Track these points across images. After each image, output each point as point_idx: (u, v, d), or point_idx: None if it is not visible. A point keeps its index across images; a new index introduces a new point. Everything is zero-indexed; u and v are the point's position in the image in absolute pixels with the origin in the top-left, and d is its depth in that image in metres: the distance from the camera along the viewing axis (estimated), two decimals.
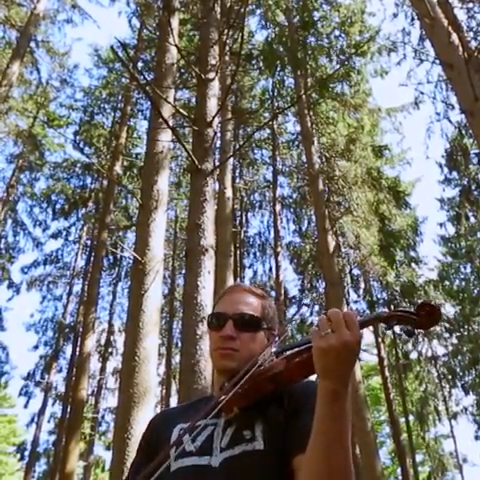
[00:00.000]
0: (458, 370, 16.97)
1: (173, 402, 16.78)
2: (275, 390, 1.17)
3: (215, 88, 7.10)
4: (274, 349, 1.24)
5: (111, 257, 19.08)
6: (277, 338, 1.31)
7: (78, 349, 15.16)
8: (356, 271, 16.22)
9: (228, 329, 1.29)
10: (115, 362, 19.01)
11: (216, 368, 1.32)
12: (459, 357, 16.98)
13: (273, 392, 1.17)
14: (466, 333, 16.96)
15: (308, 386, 1.18)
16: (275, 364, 1.18)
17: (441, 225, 18.26)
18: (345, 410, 1.01)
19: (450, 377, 17.32)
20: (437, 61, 8.70)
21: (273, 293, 15.47)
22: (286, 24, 15.89)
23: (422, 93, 14.50)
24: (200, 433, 1.22)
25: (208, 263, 5.41)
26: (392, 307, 15.83)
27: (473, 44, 9.44)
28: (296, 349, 1.17)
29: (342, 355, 0.98)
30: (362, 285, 16.75)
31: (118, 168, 16.51)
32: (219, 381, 1.30)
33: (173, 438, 1.25)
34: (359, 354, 1.02)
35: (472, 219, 17.10)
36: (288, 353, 1.18)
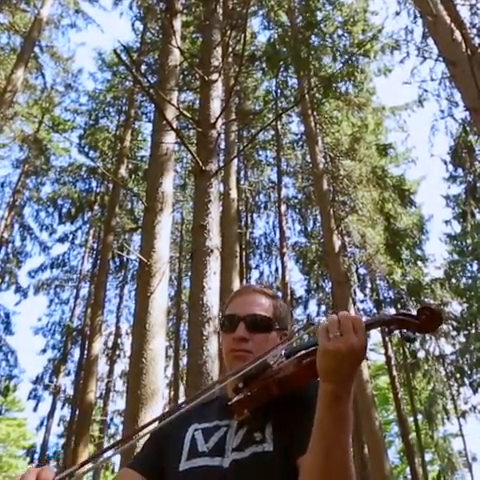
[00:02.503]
0: (466, 368, 16.88)
1: None
2: (281, 394, 1.17)
3: (218, 89, 7.11)
4: (284, 351, 1.23)
5: (117, 260, 19.13)
6: (286, 340, 1.30)
7: (86, 352, 15.21)
8: (362, 270, 16.20)
9: (240, 331, 1.28)
10: (123, 364, 19.05)
11: (230, 370, 1.31)
12: (467, 355, 16.89)
13: (280, 396, 1.17)
14: (474, 331, 16.88)
15: (313, 385, 1.16)
16: (284, 366, 1.18)
17: (447, 223, 18.20)
18: (346, 413, 1.01)
19: (458, 375, 17.23)
20: (440, 58, 8.67)
21: (279, 294, 15.45)
22: (289, 24, 15.90)
23: (426, 91, 14.45)
24: (213, 434, 1.23)
25: (214, 264, 5.42)
26: (399, 306, 15.79)
27: (476, 41, 9.41)
28: (304, 351, 1.16)
29: (347, 359, 0.99)
30: (368, 284, 16.73)
31: (123, 171, 16.57)
32: (233, 381, 1.29)
33: (187, 438, 1.26)
34: (363, 359, 1.01)
35: (478, 216, 17.02)
36: (297, 355, 1.17)
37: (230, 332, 1.30)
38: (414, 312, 1.07)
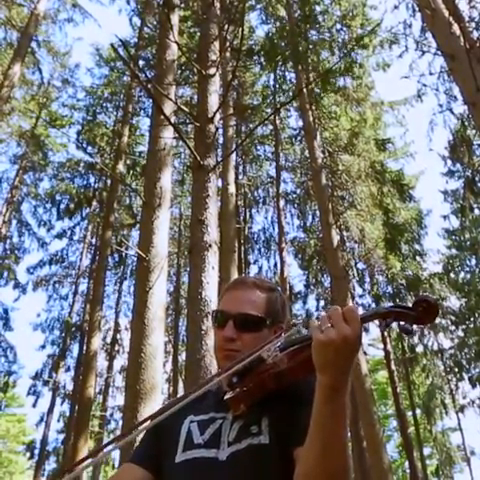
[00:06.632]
0: (464, 363, 16.93)
1: None
2: (278, 389, 1.17)
3: (216, 84, 7.08)
4: (279, 344, 1.21)
5: (116, 256, 19.12)
6: (283, 334, 1.26)
7: (85, 348, 15.21)
8: (361, 265, 16.21)
9: (228, 330, 1.27)
10: (122, 360, 19.08)
11: (219, 367, 1.31)
12: (465, 350, 16.94)
13: (276, 390, 1.17)
14: (472, 326, 16.92)
15: (311, 379, 1.16)
16: (279, 360, 1.17)
17: (445, 217, 18.21)
18: (343, 407, 1.01)
19: (456, 370, 17.28)
20: (439, 52, 8.64)
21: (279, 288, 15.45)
22: (287, 18, 15.85)
23: (425, 85, 14.39)
24: (208, 426, 1.24)
25: (212, 259, 5.41)
26: (398, 300, 15.81)
27: (475, 34, 9.36)
28: (298, 345, 1.16)
29: (341, 349, 0.98)
30: (367, 279, 16.73)
31: (121, 167, 16.52)
32: (226, 377, 1.30)
33: (183, 430, 1.26)
34: (359, 350, 1.01)
35: (476, 211, 17.02)
36: (291, 349, 1.17)
37: (220, 329, 1.30)
38: (410, 304, 1.06)
